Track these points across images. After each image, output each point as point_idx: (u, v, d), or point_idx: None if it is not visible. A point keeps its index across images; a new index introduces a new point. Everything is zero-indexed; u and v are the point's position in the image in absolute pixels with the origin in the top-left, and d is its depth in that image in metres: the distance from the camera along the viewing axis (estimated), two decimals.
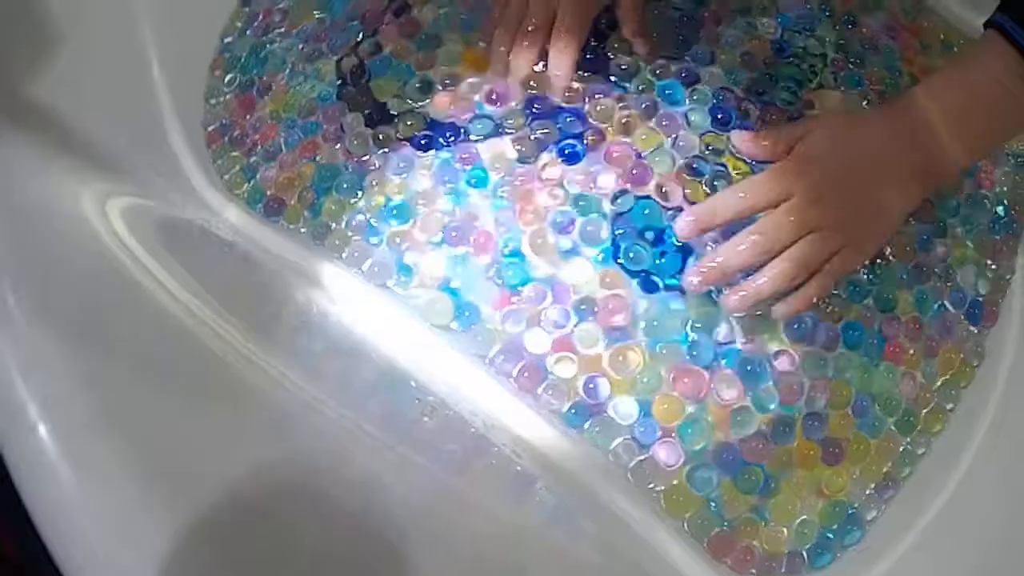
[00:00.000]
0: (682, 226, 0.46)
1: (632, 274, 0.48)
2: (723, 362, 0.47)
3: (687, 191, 0.49)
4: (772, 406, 0.47)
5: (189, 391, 0.46)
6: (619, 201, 0.49)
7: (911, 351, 0.50)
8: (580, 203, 0.49)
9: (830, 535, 0.48)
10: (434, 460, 0.48)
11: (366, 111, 0.52)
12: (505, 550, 0.47)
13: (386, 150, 0.51)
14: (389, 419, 0.48)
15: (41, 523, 0.38)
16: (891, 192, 0.47)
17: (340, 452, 0.47)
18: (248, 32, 0.60)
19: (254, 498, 0.43)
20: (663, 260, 0.48)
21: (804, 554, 0.47)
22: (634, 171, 0.49)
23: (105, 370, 0.44)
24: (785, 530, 0.47)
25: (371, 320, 0.49)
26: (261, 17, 0.60)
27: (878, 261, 0.50)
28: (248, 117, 0.56)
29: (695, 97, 0.51)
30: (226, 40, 0.60)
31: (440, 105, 0.51)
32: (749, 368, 0.47)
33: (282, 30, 0.58)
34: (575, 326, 0.47)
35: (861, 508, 0.48)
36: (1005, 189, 0.56)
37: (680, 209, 0.48)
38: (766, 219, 0.46)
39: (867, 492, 0.49)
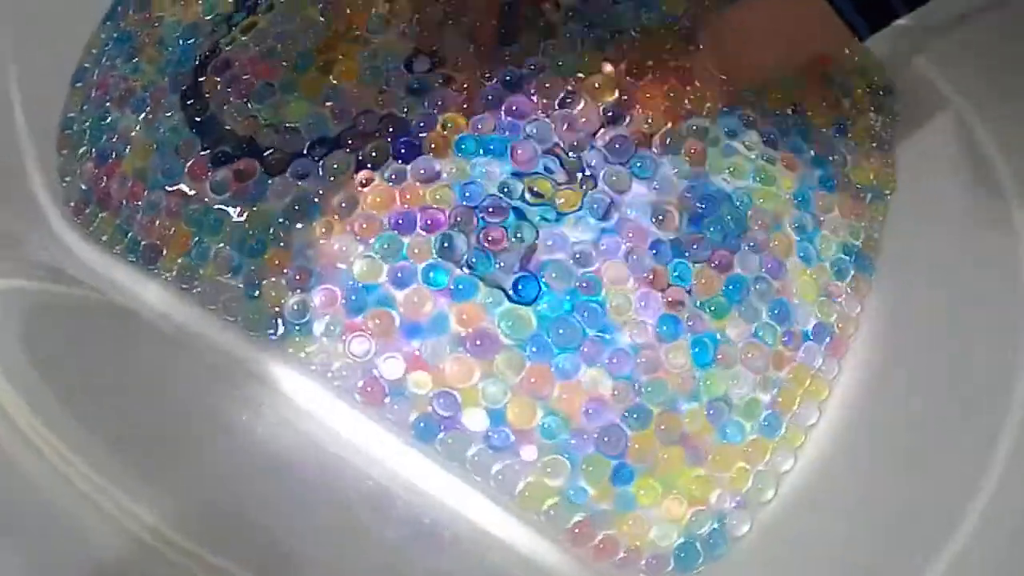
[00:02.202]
0: None
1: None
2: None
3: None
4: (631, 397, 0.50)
5: None
6: None
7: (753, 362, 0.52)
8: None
9: (696, 543, 0.49)
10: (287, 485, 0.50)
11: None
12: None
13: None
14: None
15: None
16: None
17: None
18: (86, 107, 0.62)
19: None
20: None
21: (670, 557, 0.49)
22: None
23: None
24: (648, 527, 0.49)
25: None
26: (97, 90, 0.62)
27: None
28: (109, 180, 0.57)
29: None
30: (68, 116, 0.62)
31: None
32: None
33: (121, 91, 0.60)
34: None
35: (727, 519, 0.50)
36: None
37: None
38: None
39: (732, 504, 0.50)
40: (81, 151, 0.60)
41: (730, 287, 0.53)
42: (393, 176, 0.53)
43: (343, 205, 0.52)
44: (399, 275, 0.51)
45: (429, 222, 0.52)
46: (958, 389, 0.51)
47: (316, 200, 0.53)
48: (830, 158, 0.58)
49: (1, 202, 0.59)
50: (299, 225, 0.53)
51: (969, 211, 0.55)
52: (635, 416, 0.50)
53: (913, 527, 0.47)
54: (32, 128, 0.61)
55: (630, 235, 0.53)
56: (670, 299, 0.52)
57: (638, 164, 0.54)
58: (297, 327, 0.51)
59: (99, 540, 0.46)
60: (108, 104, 0.60)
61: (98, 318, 0.56)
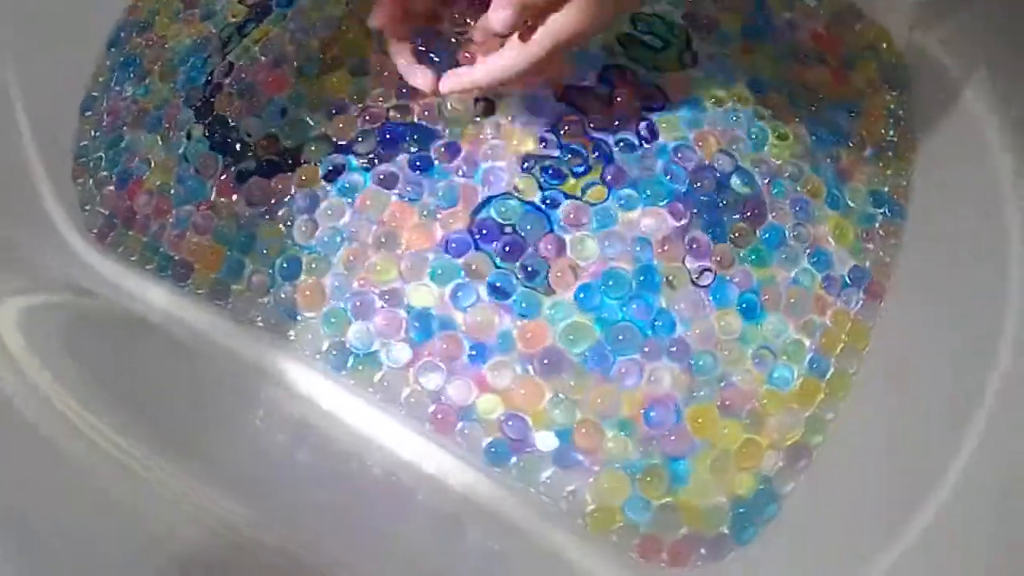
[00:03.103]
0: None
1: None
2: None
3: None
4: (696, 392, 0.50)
5: None
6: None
7: (796, 307, 0.53)
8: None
9: (744, 508, 0.50)
10: (365, 514, 0.51)
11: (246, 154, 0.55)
12: None
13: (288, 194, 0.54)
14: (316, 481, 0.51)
15: None
16: None
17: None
18: (98, 134, 0.62)
19: None
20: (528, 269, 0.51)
21: (727, 532, 0.49)
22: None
23: None
24: (705, 513, 0.49)
25: (278, 379, 0.52)
26: (108, 116, 0.62)
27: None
28: (133, 201, 0.58)
29: None
30: (81, 145, 0.62)
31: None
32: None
33: (133, 114, 0.60)
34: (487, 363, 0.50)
35: (775, 480, 0.50)
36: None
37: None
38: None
39: (779, 464, 0.51)
40: (100, 177, 0.60)
41: (767, 235, 0.53)
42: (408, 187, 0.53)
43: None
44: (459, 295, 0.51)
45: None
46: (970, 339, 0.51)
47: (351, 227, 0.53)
48: (844, 130, 0.59)
49: (25, 232, 0.58)
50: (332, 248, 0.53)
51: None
52: (693, 394, 0.50)
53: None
54: (44, 157, 0.61)
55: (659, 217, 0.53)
56: (718, 259, 0.52)
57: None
58: (361, 356, 0.52)
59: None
60: (123, 128, 0.60)
61: (134, 330, 0.56)
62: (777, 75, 0.59)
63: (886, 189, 0.58)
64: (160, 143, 0.58)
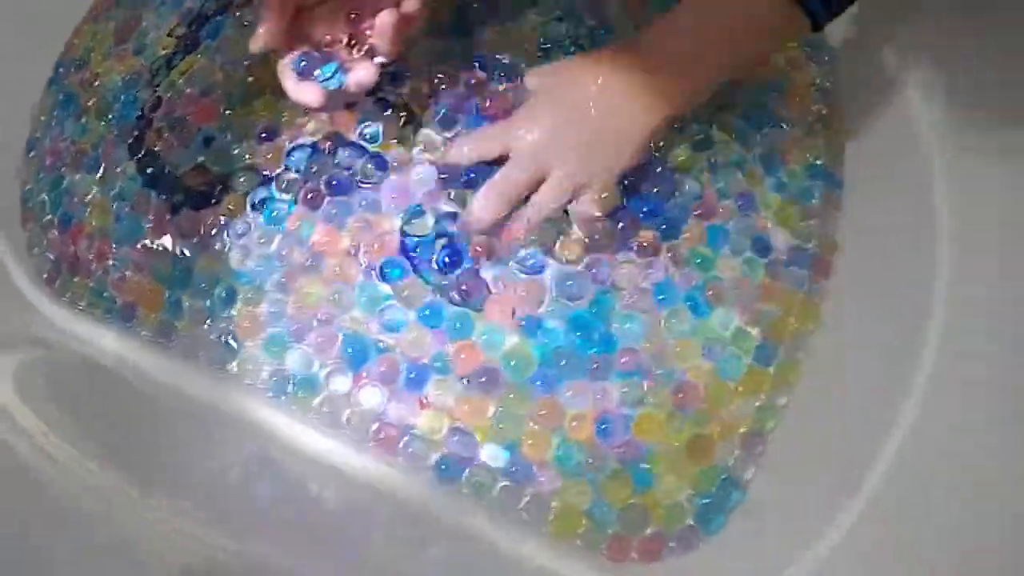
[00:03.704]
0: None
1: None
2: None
3: None
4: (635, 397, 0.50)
5: None
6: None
7: (742, 297, 0.52)
8: None
9: (708, 499, 0.50)
10: (329, 535, 0.51)
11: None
12: None
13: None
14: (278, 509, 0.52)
15: None
16: (621, 124, 0.49)
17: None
18: (42, 176, 0.62)
19: None
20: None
21: (695, 524, 0.50)
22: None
23: None
24: (670, 509, 0.50)
25: (228, 412, 0.52)
26: (50, 157, 0.62)
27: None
28: (76, 245, 0.57)
29: None
30: (27, 188, 0.62)
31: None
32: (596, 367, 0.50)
33: (72, 154, 0.60)
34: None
35: (735, 469, 0.51)
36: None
37: None
38: (499, 173, 0.49)
39: (735, 452, 0.51)
40: (44, 220, 0.60)
41: (711, 230, 0.53)
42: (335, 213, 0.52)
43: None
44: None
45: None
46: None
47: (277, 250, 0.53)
48: (771, 111, 0.58)
49: None
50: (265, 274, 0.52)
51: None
52: (642, 401, 0.50)
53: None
54: None
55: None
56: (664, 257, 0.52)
57: None
58: (299, 382, 0.51)
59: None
60: (63, 169, 0.60)
61: (91, 376, 0.56)
62: None
63: (820, 162, 0.57)
64: (98, 184, 0.58)
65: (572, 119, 0.49)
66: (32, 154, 0.63)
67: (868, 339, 0.53)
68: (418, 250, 0.51)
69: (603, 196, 0.50)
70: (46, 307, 0.58)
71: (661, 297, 0.51)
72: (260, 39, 0.47)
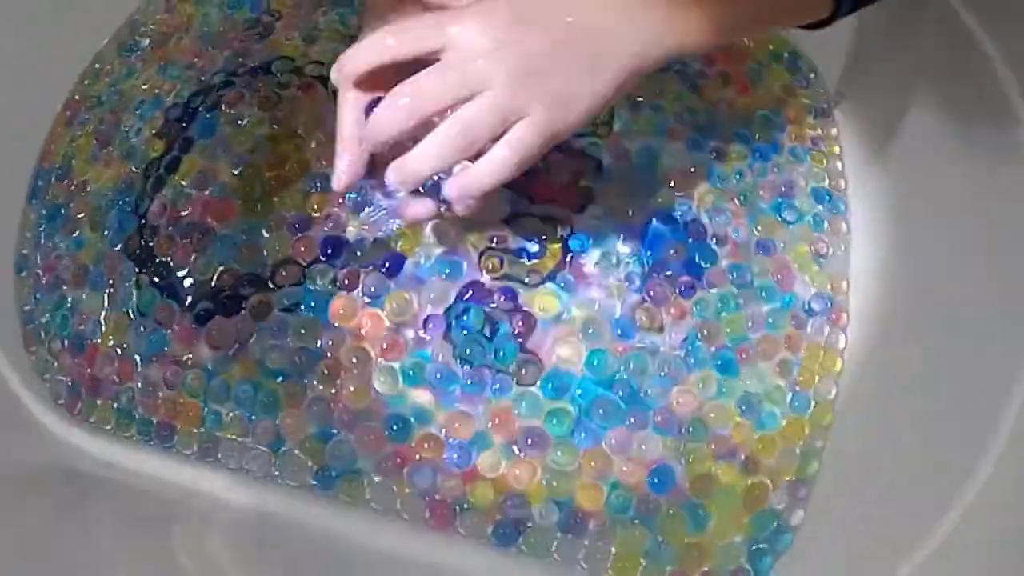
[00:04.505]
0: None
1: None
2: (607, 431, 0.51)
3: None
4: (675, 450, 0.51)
5: None
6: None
7: (770, 353, 0.53)
8: None
9: (759, 543, 0.51)
10: None
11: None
12: None
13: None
14: None
15: None
16: (602, 43, 0.39)
17: None
18: (40, 296, 0.59)
19: None
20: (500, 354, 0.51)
21: (747, 566, 0.51)
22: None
23: None
24: (724, 550, 0.50)
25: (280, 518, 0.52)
26: (46, 274, 0.59)
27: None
28: (92, 367, 0.55)
29: None
30: (24, 309, 0.59)
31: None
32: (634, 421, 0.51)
33: (72, 271, 0.58)
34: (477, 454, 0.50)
35: (784, 514, 0.51)
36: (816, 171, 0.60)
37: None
38: (464, 112, 0.38)
39: (784, 498, 0.52)
40: (52, 343, 0.57)
41: (734, 274, 0.54)
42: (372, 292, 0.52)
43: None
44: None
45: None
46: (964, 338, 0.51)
47: (319, 344, 0.52)
48: (770, 134, 0.60)
49: None
50: (307, 370, 0.52)
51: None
52: (687, 457, 0.51)
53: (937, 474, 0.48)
54: None
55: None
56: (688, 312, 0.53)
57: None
58: (344, 475, 0.51)
59: None
60: (64, 288, 0.58)
61: (124, 501, 0.54)
62: (692, 107, 0.59)
63: (825, 184, 0.59)
64: (107, 301, 0.56)
65: (537, 22, 0.38)
66: (23, 273, 0.61)
67: (902, 381, 0.53)
68: (459, 323, 0.51)
69: (548, 132, 0.39)
70: (64, 431, 0.55)
71: (691, 360, 0.52)
72: (344, 178, 0.42)
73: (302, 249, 0.53)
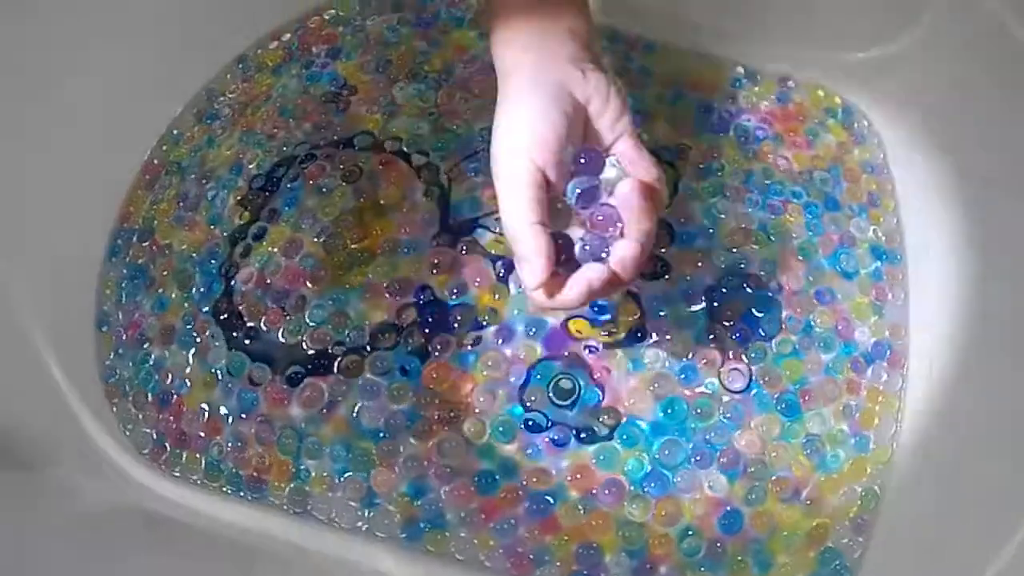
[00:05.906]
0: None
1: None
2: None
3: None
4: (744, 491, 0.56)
5: None
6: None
7: (832, 395, 0.59)
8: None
9: None
10: None
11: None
12: None
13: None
14: None
15: None
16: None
17: None
18: (122, 351, 0.62)
19: None
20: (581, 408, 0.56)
21: None
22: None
23: None
24: None
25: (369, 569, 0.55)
26: (128, 331, 0.62)
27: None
28: (179, 421, 0.59)
29: None
30: (106, 363, 0.62)
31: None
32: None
33: (158, 330, 0.61)
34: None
35: (847, 551, 0.55)
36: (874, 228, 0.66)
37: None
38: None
39: (846, 536, 0.56)
40: (136, 397, 0.60)
41: (793, 324, 0.60)
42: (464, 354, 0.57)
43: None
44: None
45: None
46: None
47: (412, 405, 0.56)
48: (825, 191, 0.66)
49: (72, 461, 0.58)
50: (401, 429, 0.56)
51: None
52: (752, 496, 0.56)
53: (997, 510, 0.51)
54: (72, 380, 0.61)
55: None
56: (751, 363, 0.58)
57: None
58: (431, 528, 0.55)
59: None
60: (147, 344, 0.61)
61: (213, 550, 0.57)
62: (749, 168, 0.66)
63: (882, 239, 0.65)
64: (193, 359, 0.59)
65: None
66: (104, 329, 0.64)
67: (962, 418, 0.57)
68: (544, 380, 0.56)
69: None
70: (150, 480, 0.58)
71: (754, 404, 0.57)
72: (546, 294, 0.45)
73: (396, 312, 0.58)
